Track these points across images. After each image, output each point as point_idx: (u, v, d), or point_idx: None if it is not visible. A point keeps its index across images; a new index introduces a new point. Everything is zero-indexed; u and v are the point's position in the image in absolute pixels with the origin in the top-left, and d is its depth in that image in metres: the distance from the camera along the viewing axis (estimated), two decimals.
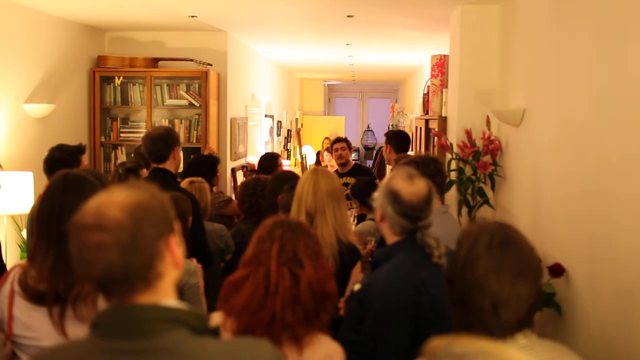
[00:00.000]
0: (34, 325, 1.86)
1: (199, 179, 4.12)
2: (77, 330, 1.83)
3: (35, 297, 1.84)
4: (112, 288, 1.20)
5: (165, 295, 1.25)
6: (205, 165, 4.57)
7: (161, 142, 3.47)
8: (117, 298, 1.21)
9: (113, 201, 1.20)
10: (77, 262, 1.20)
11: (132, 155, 4.90)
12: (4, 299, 1.90)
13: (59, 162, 3.75)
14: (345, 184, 4.89)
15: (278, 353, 1.33)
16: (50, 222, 1.88)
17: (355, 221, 4.41)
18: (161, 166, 3.50)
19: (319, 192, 2.85)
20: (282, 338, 1.83)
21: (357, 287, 2.27)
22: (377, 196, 2.23)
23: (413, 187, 2.17)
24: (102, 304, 1.83)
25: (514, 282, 1.48)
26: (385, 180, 2.26)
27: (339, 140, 6.02)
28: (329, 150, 8.06)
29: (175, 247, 1.26)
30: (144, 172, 3.87)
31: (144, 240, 1.19)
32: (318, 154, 12.70)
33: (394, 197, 2.17)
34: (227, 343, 1.33)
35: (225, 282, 1.93)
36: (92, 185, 1.93)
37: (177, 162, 3.58)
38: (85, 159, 4.21)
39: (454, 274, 1.56)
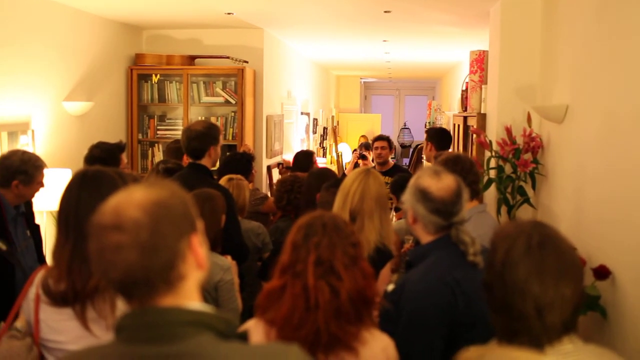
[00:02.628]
0: (61, 328, 1.86)
1: (238, 176, 4.11)
2: (100, 328, 1.83)
3: (57, 298, 1.83)
4: (133, 290, 1.16)
5: (188, 297, 1.20)
6: (240, 163, 4.57)
7: (197, 140, 3.46)
8: (138, 301, 1.17)
9: (131, 200, 1.16)
10: (96, 263, 1.16)
11: (165, 152, 4.93)
12: (30, 303, 1.90)
13: (99, 160, 3.80)
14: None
15: (307, 357, 1.27)
16: (67, 217, 1.88)
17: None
18: (197, 162, 3.49)
19: (368, 195, 2.82)
20: (333, 348, 1.80)
21: (390, 287, 2.22)
22: (407, 198, 2.18)
23: (441, 182, 2.12)
24: (120, 300, 1.83)
25: (557, 283, 1.42)
26: (412, 180, 2.20)
27: (380, 138, 5.94)
28: (360, 149, 7.98)
29: (198, 247, 1.21)
30: None
31: (163, 239, 1.15)
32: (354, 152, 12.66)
33: (423, 195, 2.12)
34: (255, 348, 1.27)
35: (262, 290, 1.91)
36: (111, 182, 1.92)
37: (213, 159, 3.57)
38: (125, 156, 4.25)
39: (492, 280, 1.49)
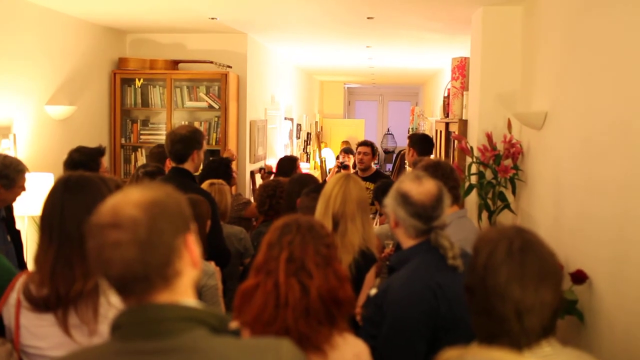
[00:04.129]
0: (42, 334, 1.85)
1: (219, 180, 4.11)
2: (82, 334, 1.83)
3: (39, 304, 1.83)
4: (131, 286, 1.19)
5: (184, 294, 1.24)
6: (219, 168, 4.56)
7: (180, 143, 3.46)
8: (136, 298, 1.21)
9: (129, 199, 1.20)
10: (95, 261, 1.20)
11: (147, 156, 4.91)
12: (10, 308, 1.89)
13: (79, 164, 3.77)
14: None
15: (299, 352, 1.31)
16: (51, 222, 1.88)
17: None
18: (180, 166, 3.49)
19: (349, 199, 2.85)
20: (302, 348, 1.80)
21: (373, 292, 2.24)
22: (389, 202, 2.21)
23: (422, 187, 2.16)
24: (104, 305, 1.83)
25: (537, 287, 1.45)
26: (394, 185, 2.24)
27: (364, 144, 5.94)
28: (341, 154, 7.99)
29: (193, 246, 1.26)
30: None
31: (161, 235, 1.19)
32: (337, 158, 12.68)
33: (404, 199, 2.15)
34: (248, 342, 1.33)
35: (238, 290, 1.91)
36: (95, 187, 1.92)
37: (196, 164, 3.56)
38: (105, 161, 4.23)
39: (473, 283, 1.51)
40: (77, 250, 1.83)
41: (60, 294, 1.81)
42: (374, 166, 5.96)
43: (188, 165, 3.49)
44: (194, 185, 3.55)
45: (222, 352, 1.20)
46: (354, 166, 6.59)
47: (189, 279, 1.26)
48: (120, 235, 1.16)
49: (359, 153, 5.82)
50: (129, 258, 1.16)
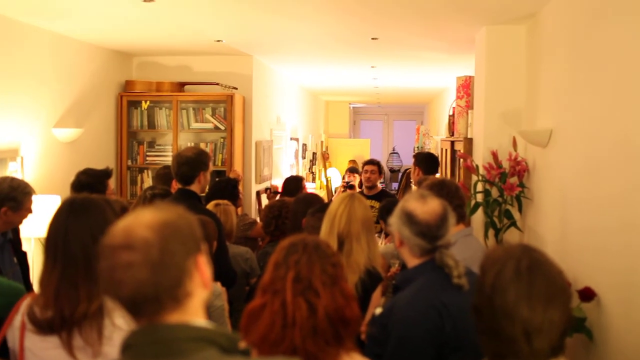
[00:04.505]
0: (46, 356, 1.85)
1: (225, 201, 4.12)
2: (87, 356, 1.82)
3: (43, 326, 1.84)
4: (142, 307, 1.20)
5: (194, 315, 1.25)
6: (225, 189, 4.58)
7: (187, 165, 3.47)
8: (147, 318, 1.21)
9: (140, 221, 1.21)
10: (107, 282, 1.21)
11: (154, 178, 4.93)
12: (15, 331, 1.90)
13: (86, 186, 3.79)
14: (370, 207, 4.85)
15: None
16: (56, 244, 1.89)
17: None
18: (186, 188, 3.51)
19: (354, 218, 2.85)
20: None
21: (378, 311, 2.23)
22: (393, 220, 2.21)
23: (427, 206, 2.16)
24: (108, 326, 1.83)
25: (546, 308, 1.43)
26: (399, 204, 2.24)
27: (371, 162, 5.96)
28: (346, 173, 8.01)
29: (204, 267, 1.27)
30: None
31: (172, 257, 1.20)
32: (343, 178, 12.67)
33: (409, 218, 2.15)
34: None
35: (244, 311, 1.91)
36: (99, 209, 1.94)
37: (202, 185, 3.58)
38: (112, 182, 4.25)
39: (481, 303, 1.51)
40: (81, 272, 1.84)
41: (64, 316, 1.81)
42: (379, 185, 5.96)
43: (194, 187, 3.51)
44: (200, 207, 3.56)
45: None
46: (360, 185, 6.59)
47: (200, 299, 1.27)
48: (132, 256, 1.18)
49: (366, 172, 5.83)
50: (140, 279, 1.17)
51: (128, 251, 1.18)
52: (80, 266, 1.85)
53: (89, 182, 3.88)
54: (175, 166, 3.50)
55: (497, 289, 1.47)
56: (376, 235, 3.30)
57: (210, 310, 2.83)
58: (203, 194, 4.09)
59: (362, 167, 6.04)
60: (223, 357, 1.22)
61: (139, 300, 1.19)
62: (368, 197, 5.50)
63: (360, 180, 6.36)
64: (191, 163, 3.48)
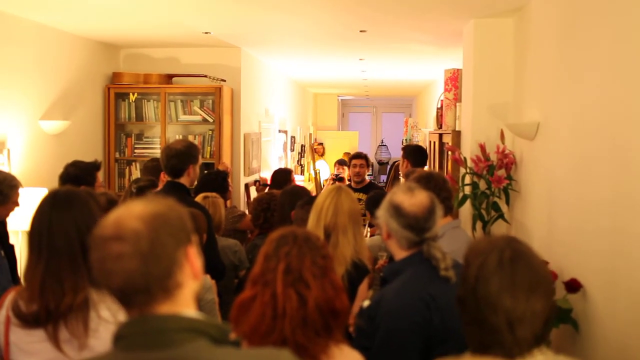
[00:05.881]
0: (32, 350, 1.85)
1: (213, 194, 4.12)
2: (73, 348, 1.83)
3: (28, 320, 1.83)
4: (133, 298, 1.21)
5: (185, 305, 1.26)
6: (215, 181, 4.57)
7: (176, 158, 3.47)
8: (138, 309, 1.22)
9: (131, 212, 1.22)
10: (98, 273, 1.22)
11: (142, 170, 4.91)
12: (0, 326, 1.89)
13: (74, 178, 3.78)
14: (358, 199, 4.87)
15: None
16: (40, 237, 1.89)
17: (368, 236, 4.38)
18: (176, 180, 3.50)
19: (341, 211, 2.85)
20: (300, 358, 1.80)
21: (366, 303, 2.25)
22: (381, 213, 2.22)
23: (414, 198, 2.17)
24: (94, 319, 1.83)
25: (528, 297, 1.45)
26: (387, 196, 2.25)
27: (358, 156, 5.99)
28: (335, 166, 8.04)
29: (194, 258, 1.28)
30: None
31: (162, 248, 1.21)
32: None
33: (396, 210, 2.16)
34: (249, 352, 1.35)
35: (234, 302, 1.92)
36: (82, 201, 1.93)
37: (192, 178, 3.57)
38: (100, 175, 4.23)
39: (465, 294, 1.52)
40: (66, 265, 1.84)
41: (50, 309, 1.81)
42: (367, 177, 5.98)
43: (184, 180, 3.50)
44: (190, 199, 3.56)
45: None
46: (349, 178, 6.62)
47: (190, 290, 1.28)
48: (122, 247, 1.19)
49: (354, 166, 5.85)
50: (130, 270, 1.18)
51: (118, 242, 1.19)
52: (65, 259, 1.85)
53: (77, 174, 3.86)
54: (165, 159, 3.49)
55: (480, 280, 1.48)
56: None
57: (201, 304, 2.83)
58: (192, 187, 4.08)
59: (350, 162, 6.07)
60: (214, 348, 1.23)
61: (130, 291, 1.20)
62: (356, 190, 5.51)
63: (349, 173, 6.39)
64: (181, 156, 3.47)
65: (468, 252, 1.58)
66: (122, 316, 1.84)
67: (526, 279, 1.47)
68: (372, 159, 15.84)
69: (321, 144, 12.30)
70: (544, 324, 1.48)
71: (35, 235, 1.91)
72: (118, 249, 1.18)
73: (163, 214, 1.24)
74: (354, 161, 5.92)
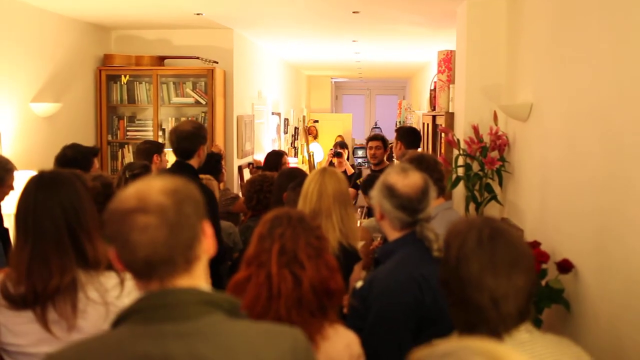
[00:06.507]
0: (21, 331, 1.85)
1: (207, 176, 4.11)
2: (61, 329, 1.83)
3: (16, 301, 1.83)
4: (156, 269, 1.22)
5: (200, 279, 1.29)
6: (209, 163, 4.55)
7: (187, 140, 3.45)
8: (159, 281, 1.24)
9: (152, 187, 1.24)
10: (120, 246, 1.22)
11: (135, 153, 4.89)
12: None
13: (71, 160, 3.77)
14: None
15: (307, 342, 1.37)
16: (26, 220, 1.89)
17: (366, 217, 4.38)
18: (185, 161, 3.49)
19: (325, 194, 2.78)
20: None
21: (359, 284, 2.26)
22: (375, 194, 2.23)
23: (408, 179, 2.17)
24: (82, 300, 1.83)
25: (510, 274, 1.47)
26: (381, 177, 2.25)
27: (374, 138, 5.97)
28: (335, 148, 8.04)
29: (210, 232, 1.30)
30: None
31: (187, 219, 1.23)
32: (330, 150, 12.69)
33: (390, 191, 2.17)
34: (265, 325, 1.36)
35: (229, 283, 1.92)
36: (67, 183, 1.93)
37: (201, 159, 3.57)
38: (97, 161, 4.21)
39: (448, 276, 1.53)
40: (52, 246, 1.84)
41: (37, 291, 1.81)
42: (387, 161, 5.95)
43: (193, 161, 3.50)
44: (197, 181, 3.53)
45: (241, 334, 1.25)
46: (347, 159, 6.59)
47: (204, 264, 1.30)
48: (148, 219, 1.19)
49: (371, 148, 5.84)
50: (157, 241, 1.19)
51: (143, 214, 1.19)
52: (51, 240, 1.84)
53: (74, 156, 3.85)
54: (175, 141, 3.47)
55: (461, 260, 1.49)
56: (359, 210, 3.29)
57: None
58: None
59: (367, 144, 6.04)
60: (231, 321, 1.26)
61: (155, 262, 1.21)
62: (375, 172, 5.46)
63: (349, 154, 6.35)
64: (191, 137, 3.46)
65: (447, 234, 1.59)
66: (110, 297, 1.85)
67: (506, 255, 1.48)
68: (364, 141, 15.86)
69: (316, 121, 12.28)
70: (527, 299, 1.50)
71: (21, 217, 1.90)
72: (144, 221, 1.19)
73: (183, 189, 1.27)
74: (370, 143, 5.91)
